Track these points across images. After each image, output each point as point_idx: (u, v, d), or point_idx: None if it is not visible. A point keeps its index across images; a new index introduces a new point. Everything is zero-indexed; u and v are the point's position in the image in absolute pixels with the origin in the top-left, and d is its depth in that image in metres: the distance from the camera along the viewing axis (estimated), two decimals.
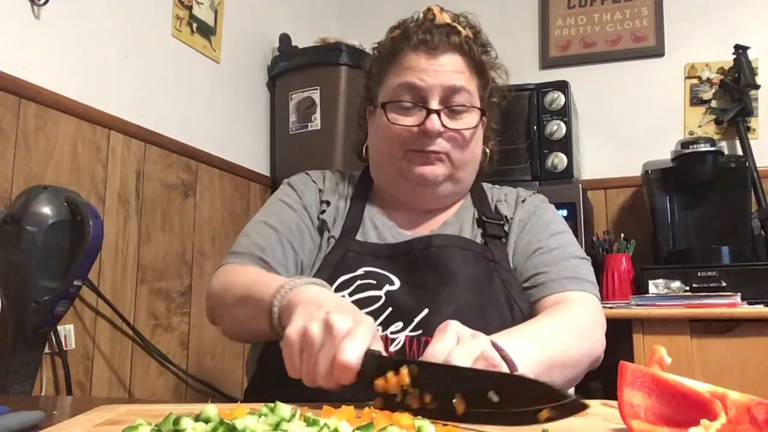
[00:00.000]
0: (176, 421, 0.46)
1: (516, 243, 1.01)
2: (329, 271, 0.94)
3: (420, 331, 0.87)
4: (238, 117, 2.37)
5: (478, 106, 1.00)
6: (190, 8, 2.09)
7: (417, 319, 0.88)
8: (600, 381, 1.59)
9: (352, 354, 0.62)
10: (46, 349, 1.46)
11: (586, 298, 0.94)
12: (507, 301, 0.93)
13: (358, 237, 0.99)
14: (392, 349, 0.87)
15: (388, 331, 0.88)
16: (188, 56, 2.09)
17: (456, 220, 1.04)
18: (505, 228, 1.01)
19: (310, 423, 0.45)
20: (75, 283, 1.34)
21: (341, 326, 0.65)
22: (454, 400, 0.59)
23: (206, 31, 2.18)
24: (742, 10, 2.55)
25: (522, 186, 1.14)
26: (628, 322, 1.88)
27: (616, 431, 0.56)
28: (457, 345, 0.65)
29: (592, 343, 0.89)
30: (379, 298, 0.90)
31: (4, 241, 1.29)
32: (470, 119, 0.99)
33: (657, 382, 0.54)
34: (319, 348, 0.65)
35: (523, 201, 1.06)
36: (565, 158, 2.23)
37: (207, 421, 0.47)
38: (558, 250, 0.99)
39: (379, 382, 0.62)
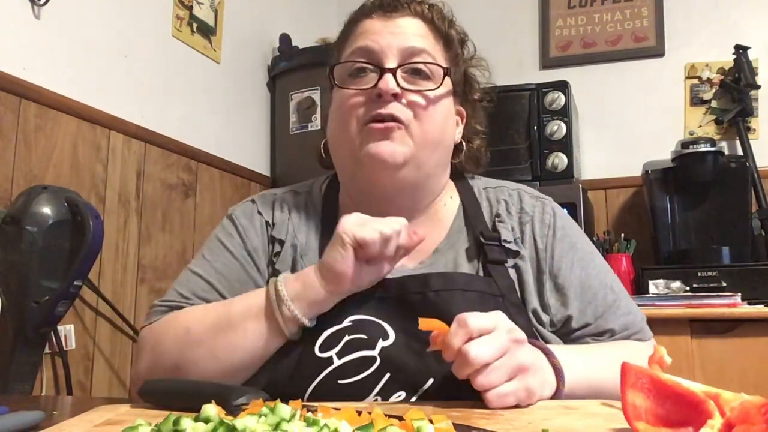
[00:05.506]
0: (176, 422, 0.46)
1: (547, 272, 0.86)
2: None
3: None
4: (238, 117, 2.37)
5: (443, 65, 0.86)
6: (190, 8, 2.09)
7: (421, 391, 0.75)
8: None
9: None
10: (46, 349, 1.46)
11: (645, 348, 0.83)
12: None
13: None
14: None
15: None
16: (188, 56, 2.09)
17: (448, 247, 0.88)
18: (509, 246, 0.86)
19: (310, 423, 0.45)
20: (75, 283, 1.34)
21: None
22: None
23: (206, 31, 2.18)
24: (742, 10, 2.55)
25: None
26: None
27: (616, 431, 0.56)
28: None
29: None
30: (373, 359, 0.75)
31: (4, 241, 1.29)
32: (434, 82, 0.85)
33: (654, 383, 0.54)
34: None
35: (532, 212, 0.90)
36: (565, 158, 2.23)
37: (207, 421, 0.47)
38: (613, 301, 0.87)
39: None
